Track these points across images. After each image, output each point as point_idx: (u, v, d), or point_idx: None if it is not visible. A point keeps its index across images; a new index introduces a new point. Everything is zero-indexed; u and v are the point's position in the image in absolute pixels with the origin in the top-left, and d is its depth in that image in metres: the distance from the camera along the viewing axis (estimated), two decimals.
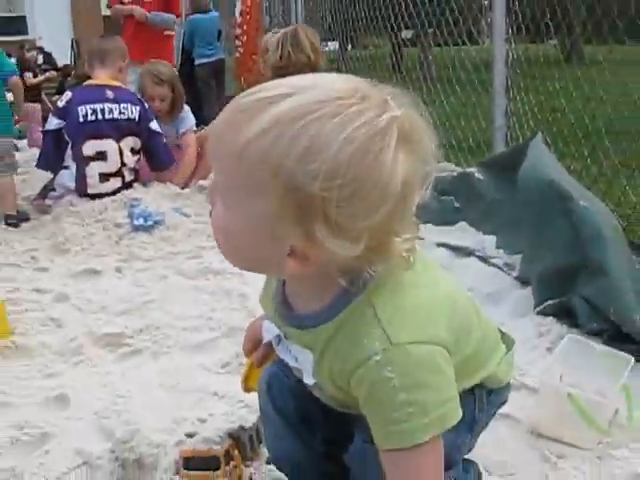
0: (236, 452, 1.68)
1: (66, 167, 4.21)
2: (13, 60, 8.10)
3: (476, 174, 3.73)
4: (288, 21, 7.98)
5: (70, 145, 4.17)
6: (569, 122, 4.29)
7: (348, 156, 0.98)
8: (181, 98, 4.94)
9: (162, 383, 2.28)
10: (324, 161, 0.97)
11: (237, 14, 8.99)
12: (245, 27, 8.76)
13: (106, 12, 14.10)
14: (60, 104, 4.29)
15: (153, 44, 6.37)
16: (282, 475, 1.58)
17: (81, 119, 4.14)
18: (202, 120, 6.03)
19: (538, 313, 2.57)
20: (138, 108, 4.32)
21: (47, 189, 4.37)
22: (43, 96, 11.02)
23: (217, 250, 1.17)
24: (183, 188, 4.46)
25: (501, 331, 1.43)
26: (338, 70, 7.43)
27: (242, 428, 1.75)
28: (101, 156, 4.17)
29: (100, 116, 4.17)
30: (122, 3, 6.60)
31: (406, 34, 8.10)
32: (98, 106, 4.18)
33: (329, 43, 8.23)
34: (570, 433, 1.83)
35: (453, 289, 1.26)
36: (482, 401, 1.35)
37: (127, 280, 3.31)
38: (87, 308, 2.94)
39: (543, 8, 4.44)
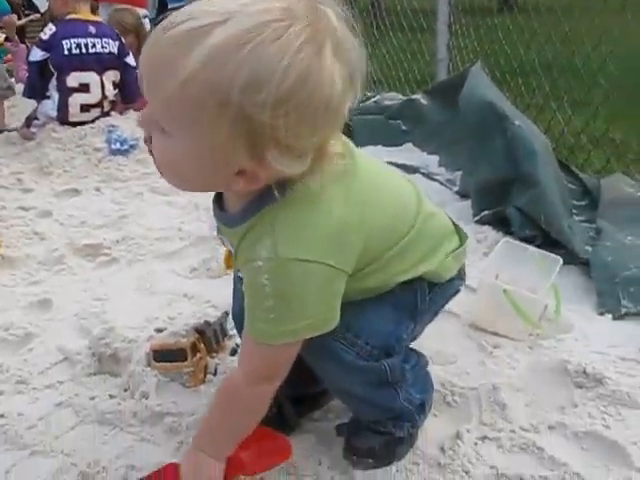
0: (202, 345, 1.62)
1: (48, 97, 4.03)
2: None
3: (421, 99, 3.69)
4: None
5: (55, 76, 3.98)
6: (505, 53, 4.19)
7: (292, 82, 0.89)
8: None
9: (137, 288, 2.24)
10: (270, 91, 0.88)
11: None
12: None
13: None
14: (44, 37, 4.03)
15: None
16: None
17: (66, 52, 3.95)
18: None
19: (476, 222, 2.55)
20: (117, 43, 4.17)
21: (31, 118, 4.19)
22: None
23: None
24: None
25: (456, 226, 1.36)
26: None
27: (207, 323, 1.69)
28: (85, 88, 4.00)
29: (84, 50, 3.99)
30: None
31: None
32: (82, 40, 3.99)
33: None
34: (504, 325, 1.82)
35: (374, 201, 1.15)
36: (424, 292, 1.28)
37: (105, 197, 3.24)
38: (68, 222, 2.87)
39: None
